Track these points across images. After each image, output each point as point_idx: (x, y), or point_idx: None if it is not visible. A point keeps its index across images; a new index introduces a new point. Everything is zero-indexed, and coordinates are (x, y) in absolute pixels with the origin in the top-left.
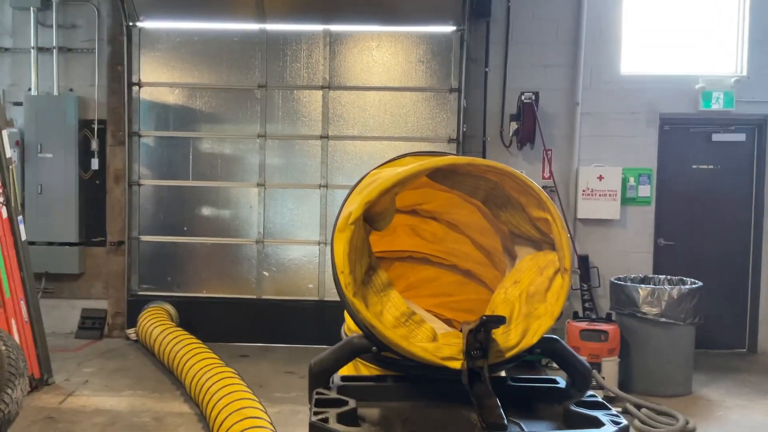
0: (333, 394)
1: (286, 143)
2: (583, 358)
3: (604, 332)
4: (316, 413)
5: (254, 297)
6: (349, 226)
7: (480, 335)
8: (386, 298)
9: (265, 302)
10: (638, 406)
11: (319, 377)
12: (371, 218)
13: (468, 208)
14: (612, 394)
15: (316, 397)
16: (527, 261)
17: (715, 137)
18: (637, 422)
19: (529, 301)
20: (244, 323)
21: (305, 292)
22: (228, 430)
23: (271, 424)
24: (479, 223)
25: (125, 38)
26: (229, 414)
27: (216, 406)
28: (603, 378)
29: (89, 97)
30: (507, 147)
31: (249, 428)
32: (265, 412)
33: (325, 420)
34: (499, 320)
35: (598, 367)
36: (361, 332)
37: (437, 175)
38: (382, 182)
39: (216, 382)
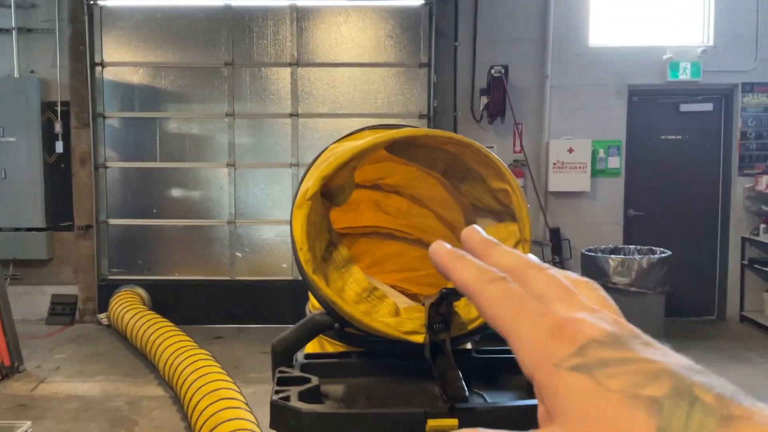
0: (296, 372)
1: (255, 122)
2: None
3: None
4: (277, 392)
5: (227, 278)
6: (306, 202)
7: (442, 308)
8: (347, 274)
9: (239, 283)
10: None
11: (282, 356)
12: (329, 193)
13: (430, 182)
14: None
15: (278, 375)
16: (488, 233)
17: (683, 107)
18: None
19: None
20: (217, 305)
21: (279, 272)
22: (202, 411)
23: (246, 404)
24: (442, 196)
25: (86, 17)
26: (204, 396)
27: (190, 389)
28: None
29: (51, 79)
30: (478, 121)
31: (223, 409)
32: (240, 393)
33: (287, 398)
34: (458, 293)
35: None
36: (323, 309)
37: (396, 148)
38: (338, 156)
39: (190, 364)
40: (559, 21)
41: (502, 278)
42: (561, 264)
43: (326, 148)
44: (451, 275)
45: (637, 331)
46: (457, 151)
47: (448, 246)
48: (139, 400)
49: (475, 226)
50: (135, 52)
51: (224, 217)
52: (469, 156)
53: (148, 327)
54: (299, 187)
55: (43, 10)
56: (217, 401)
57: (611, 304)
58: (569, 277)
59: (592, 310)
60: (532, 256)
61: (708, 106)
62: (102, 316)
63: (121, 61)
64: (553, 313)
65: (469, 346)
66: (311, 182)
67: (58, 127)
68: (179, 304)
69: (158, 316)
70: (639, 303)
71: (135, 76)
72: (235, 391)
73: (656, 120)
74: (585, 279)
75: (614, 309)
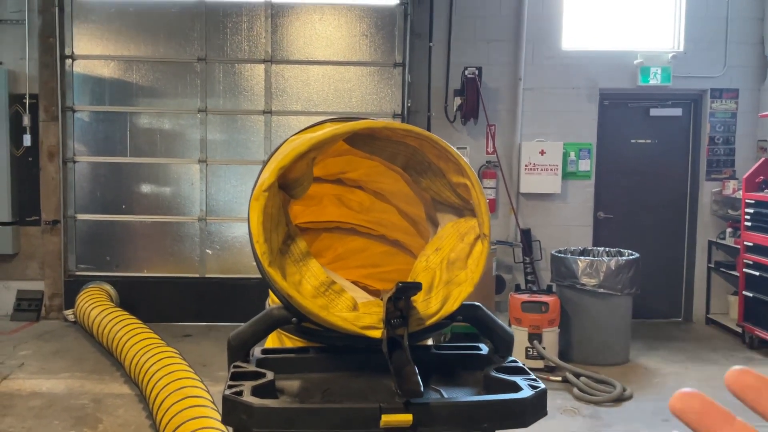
0: (250, 367)
1: (228, 118)
2: (505, 324)
3: (545, 303)
4: (230, 386)
5: (197, 276)
6: (263, 193)
7: (400, 303)
8: (305, 267)
9: (209, 281)
10: (577, 375)
11: (238, 350)
12: (287, 185)
13: (393, 177)
14: (552, 364)
15: (232, 370)
16: (448, 228)
17: (653, 112)
18: (576, 390)
19: (449, 268)
20: (187, 302)
21: (250, 270)
22: (168, 409)
23: (213, 402)
24: (404, 191)
25: (57, 9)
26: (169, 394)
27: (156, 386)
28: (544, 348)
29: (20, 71)
30: (451, 122)
31: (189, 407)
32: (207, 391)
33: (239, 393)
34: (416, 286)
35: (538, 337)
36: (281, 303)
37: (357, 142)
38: (296, 147)
39: (156, 362)
40: (532, 24)
41: None
42: (531, 265)
43: (286, 139)
44: None
45: None
46: (416, 145)
47: None
48: (104, 397)
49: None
50: (106, 45)
51: (195, 213)
52: (428, 150)
53: (115, 324)
54: (257, 179)
55: (12, 0)
56: (182, 399)
57: None
58: None
59: None
60: None
61: (677, 111)
62: (68, 312)
63: (91, 54)
64: None
65: (430, 341)
66: (268, 173)
67: (26, 120)
68: (148, 301)
69: (126, 313)
70: (607, 304)
71: (106, 70)
72: (202, 389)
73: (626, 124)
74: None
75: None
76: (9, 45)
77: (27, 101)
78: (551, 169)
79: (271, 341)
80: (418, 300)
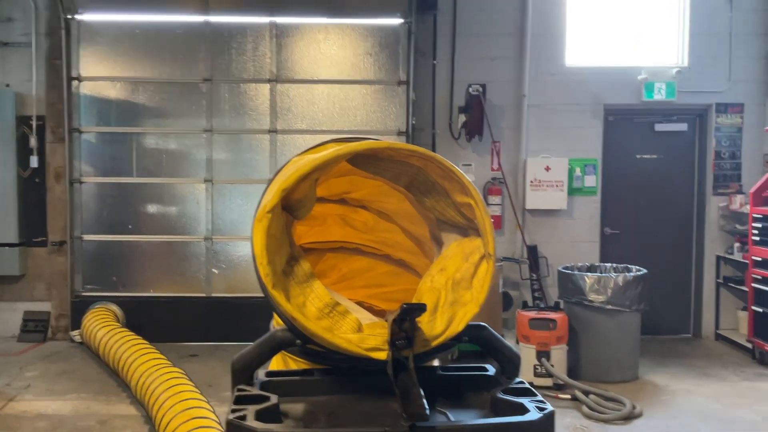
0: (254, 391)
1: (233, 138)
2: (511, 344)
3: (553, 321)
4: (234, 410)
5: (203, 295)
6: (266, 214)
7: (405, 325)
8: (309, 289)
9: (215, 300)
10: (586, 393)
11: (242, 373)
12: (291, 206)
13: (397, 196)
14: (561, 382)
15: (236, 393)
16: (453, 248)
17: (658, 127)
18: (585, 408)
19: (455, 289)
20: (193, 322)
21: (256, 289)
22: (174, 431)
23: (219, 423)
24: (408, 211)
25: (64, 31)
26: (176, 415)
27: (162, 407)
28: (552, 366)
29: (27, 93)
30: (456, 139)
31: (196, 428)
32: (213, 412)
33: (243, 417)
34: (420, 308)
35: (547, 355)
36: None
37: (361, 162)
38: (299, 168)
39: (162, 383)
40: (536, 40)
41: None
42: (538, 281)
43: (289, 160)
44: None
45: None
46: (421, 165)
47: None
48: (110, 419)
49: None
50: (112, 67)
51: (201, 233)
52: (432, 170)
53: (121, 344)
54: (260, 200)
55: (20, 23)
56: (188, 420)
57: None
58: None
59: None
60: None
61: (682, 126)
62: (75, 333)
63: (98, 75)
64: None
65: (436, 362)
66: (271, 195)
67: (33, 142)
68: (154, 321)
69: (132, 333)
70: (615, 321)
71: (112, 91)
72: (208, 410)
73: (632, 139)
74: None
75: None
76: (16, 67)
77: (34, 123)
78: (557, 185)
79: (276, 363)
80: (423, 321)
